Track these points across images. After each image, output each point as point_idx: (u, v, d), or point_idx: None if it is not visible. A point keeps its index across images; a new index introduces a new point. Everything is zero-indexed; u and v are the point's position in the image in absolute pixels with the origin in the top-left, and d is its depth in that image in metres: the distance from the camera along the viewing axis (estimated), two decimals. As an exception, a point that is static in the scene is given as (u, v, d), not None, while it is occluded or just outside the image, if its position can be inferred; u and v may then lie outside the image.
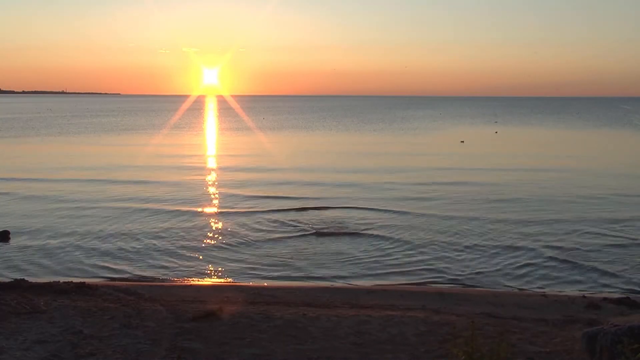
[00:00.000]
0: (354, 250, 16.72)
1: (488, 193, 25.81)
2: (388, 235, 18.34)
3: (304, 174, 31.95)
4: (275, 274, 14.80)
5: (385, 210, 21.98)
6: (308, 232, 18.72)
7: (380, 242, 17.57)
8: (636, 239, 17.98)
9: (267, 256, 16.17)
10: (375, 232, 18.64)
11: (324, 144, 53.18)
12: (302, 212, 21.64)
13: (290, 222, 20.06)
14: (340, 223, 19.88)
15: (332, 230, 18.95)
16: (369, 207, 22.68)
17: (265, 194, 25.54)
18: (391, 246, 17.16)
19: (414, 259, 15.99)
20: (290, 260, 15.82)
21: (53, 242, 17.56)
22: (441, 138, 61.25)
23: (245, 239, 17.97)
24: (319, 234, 18.54)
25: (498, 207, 22.66)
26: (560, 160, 39.87)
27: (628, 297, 12.48)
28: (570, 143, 56.90)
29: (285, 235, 18.41)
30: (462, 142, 53.57)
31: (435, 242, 17.52)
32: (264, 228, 19.24)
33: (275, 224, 19.75)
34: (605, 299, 12.44)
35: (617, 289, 13.70)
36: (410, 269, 15.16)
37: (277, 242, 17.63)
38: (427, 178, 30.28)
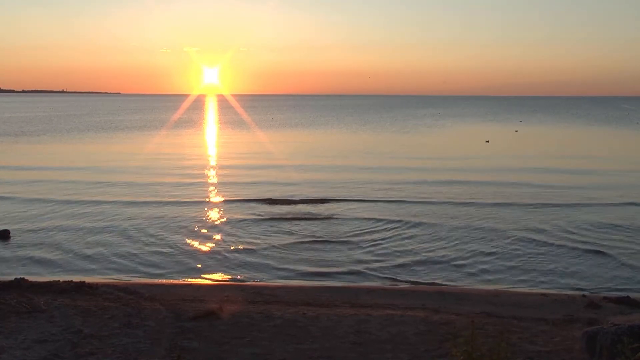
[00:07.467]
0: (354, 249, 16.72)
1: (494, 192, 25.84)
2: (390, 234, 18.36)
3: (332, 166, 32.71)
4: (276, 273, 14.81)
5: (386, 210, 21.99)
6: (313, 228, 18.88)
7: (380, 241, 17.58)
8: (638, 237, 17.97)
9: (267, 255, 16.18)
10: (374, 232, 18.65)
11: (341, 143, 53.10)
12: (316, 205, 22.38)
13: (299, 216, 20.66)
14: (344, 215, 20.82)
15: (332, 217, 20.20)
16: (378, 199, 23.13)
17: (276, 189, 26.21)
18: (391, 245, 17.17)
19: (415, 258, 15.98)
20: (290, 260, 15.83)
21: (53, 241, 17.55)
22: (465, 137, 61.26)
23: (244, 237, 17.97)
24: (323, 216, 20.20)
25: (499, 206, 22.65)
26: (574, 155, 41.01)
27: (628, 297, 12.47)
28: (576, 141, 57.14)
29: (287, 234, 18.42)
30: (487, 141, 53.52)
31: (436, 241, 17.52)
32: (266, 227, 19.24)
33: (277, 224, 19.77)
34: (605, 298, 12.43)
35: (617, 289, 13.68)
36: (411, 268, 15.14)
37: (277, 239, 17.65)
38: (443, 177, 30.38)
